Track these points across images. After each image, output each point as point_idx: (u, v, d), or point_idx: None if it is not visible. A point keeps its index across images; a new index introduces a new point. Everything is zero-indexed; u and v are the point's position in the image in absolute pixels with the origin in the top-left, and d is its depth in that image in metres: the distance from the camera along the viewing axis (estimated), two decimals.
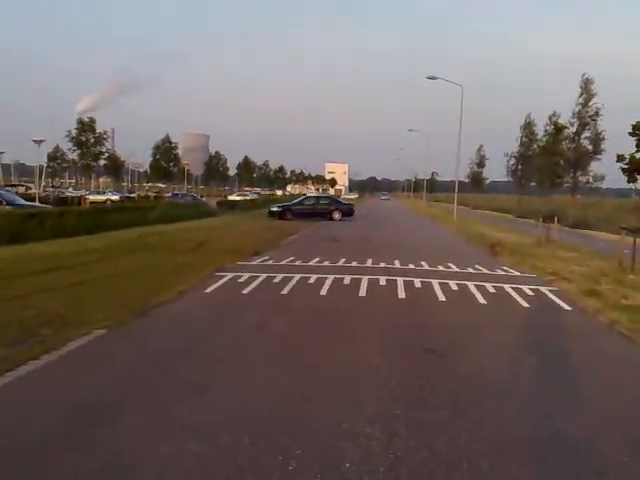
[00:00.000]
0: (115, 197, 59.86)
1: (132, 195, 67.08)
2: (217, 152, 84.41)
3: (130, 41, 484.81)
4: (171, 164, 62.24)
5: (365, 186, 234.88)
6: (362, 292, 10.97)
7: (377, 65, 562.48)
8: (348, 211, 37.58)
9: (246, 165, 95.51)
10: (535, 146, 63.44)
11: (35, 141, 36.94)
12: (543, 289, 11.84)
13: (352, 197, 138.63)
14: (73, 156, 38.04)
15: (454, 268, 14.55)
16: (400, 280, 12.24)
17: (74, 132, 36.09)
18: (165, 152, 61.23)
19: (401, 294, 10.84)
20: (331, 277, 12.40)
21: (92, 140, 36.51)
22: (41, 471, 3.95)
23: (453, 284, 11.99)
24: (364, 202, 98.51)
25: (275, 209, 35.85)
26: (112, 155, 40.56)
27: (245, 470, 3.93)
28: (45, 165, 53.55)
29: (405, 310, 9.54)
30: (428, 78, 41.50)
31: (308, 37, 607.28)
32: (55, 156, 61.61)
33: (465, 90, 41.00)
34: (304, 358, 6.59)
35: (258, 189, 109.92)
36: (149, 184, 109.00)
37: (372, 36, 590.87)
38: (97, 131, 36.54)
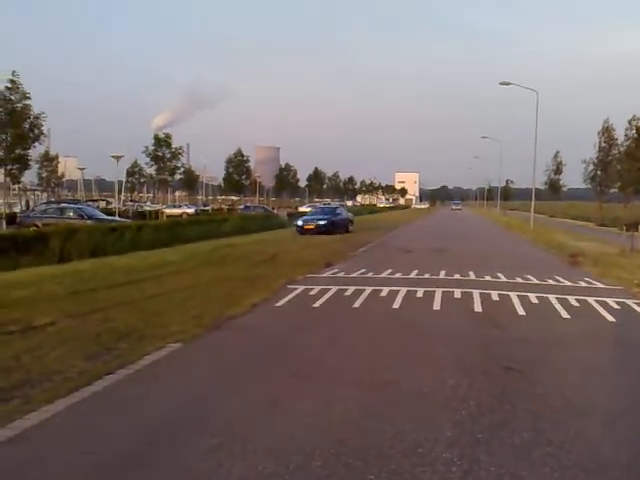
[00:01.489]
0: (190, 210, 61.65)
1: (206, 208, 68.90)
2: (287, 164, 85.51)
3: (204, 56, 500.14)
4: (243, 177, 63.54)
5: (436, 195, 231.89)
6: (436, 305, 10.65)
7: (450, 72, 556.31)
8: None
9: (316, 176, 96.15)
10: (615, 151, 60.62)
11: (114, 157, 38.49)
12: (630, 302, 11.15)
13: (423, 207, 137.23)
14: (150, 171, 39.37)
15: (533, 280, 13.96)
16: (476, 293, 11.82)
17: (151, 148, 37.38)
18: (237, 165, 62.56)
19: (477, 307, 10.45)
20: (404, 290, 12.14)
21: (168, 155, 37.69)
22: None
23: (533, 297, 11.48)
24: (433, 212, 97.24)
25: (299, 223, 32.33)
26: (187, 169, 41.75)
27: None
28: (124, 180, 55.89)
29: (482, 325, 9.16)
30: (502, 84, 40.54)
31: (375, 45, 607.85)
32: (133, 171, 64.19)
33: (540, 95, 39.77)
34: (378, 375, 6.39)
35: (328, 200, 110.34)
36: (222, 197, 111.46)
37: (443, 42, 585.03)
38: (173, 146, 37.73)
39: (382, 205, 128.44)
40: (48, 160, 54.87)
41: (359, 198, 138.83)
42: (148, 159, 37.43)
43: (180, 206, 64.79)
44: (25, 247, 19.01)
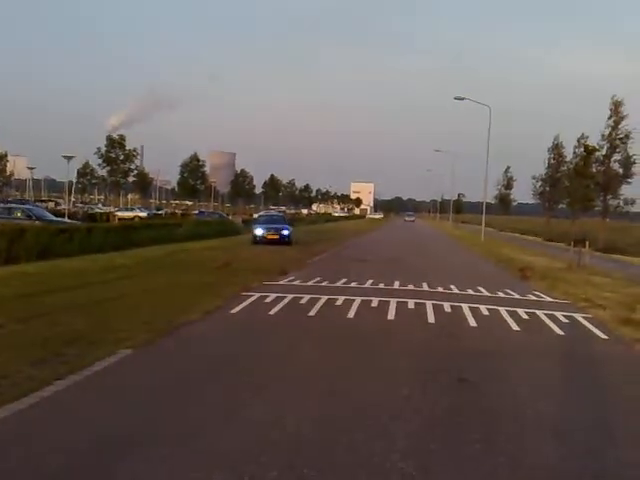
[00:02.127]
0: (143, 214, 60.51)
1: (160, 212, 67.81)
2: (243, 170, 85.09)
3: (160, 59, 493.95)
4: (198, 182, 62.90)
5: (390, 206, 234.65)
6: (391, 315, 10.75)
7: (405, 85, 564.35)
8: None
9: (272, 183, 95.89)
10: (564, 168, 62.58)
11: (65, 157, 37.50)
12: (577, 316, 11.49)
13: (377, 217, 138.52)
14: (103, 172, 38.57)
15: (484, 292, 14.24)
16: (429, 303, 11.99)
17: (104, 149, 36.60)
18: (193, 170, 61.91)
19: (430, 318, 10.60)
20: (358, 299, 12.21)
21: (122, 157, 36.97)
22: None
23: (484, 309, 11.71)
24: (388, 222, 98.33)
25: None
26: (141, 172, 41.02)
27: None
28: (75, 181, 54.57)
29: (435, 335, 9.28)
30: (456, 99, 41.44)
31: (337, 55, 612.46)
32: (85, 172, 62.71)
33: (492, 111, 40.76)
34: (333, 385, 6.40)
35: (283, 207, 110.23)
36: (176, 201, 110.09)
37: (399, 57, 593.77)
38: (127, 148, 37.04)
39: (337, 214, 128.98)
40: None
41: (314, 207, 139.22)
42: (100, 160, 36.71)
43: (133, 209, 63.58)
44: None
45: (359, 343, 8.59)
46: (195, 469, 4.22)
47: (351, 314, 10.77)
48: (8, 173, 59.92)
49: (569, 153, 61.35)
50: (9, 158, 58.58)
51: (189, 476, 4.11)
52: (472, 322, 10.42)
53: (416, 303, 12.05)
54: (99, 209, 59.22)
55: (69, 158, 38.14)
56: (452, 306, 11.88)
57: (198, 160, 62.75)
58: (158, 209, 77.90)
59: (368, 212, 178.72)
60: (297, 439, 4.85)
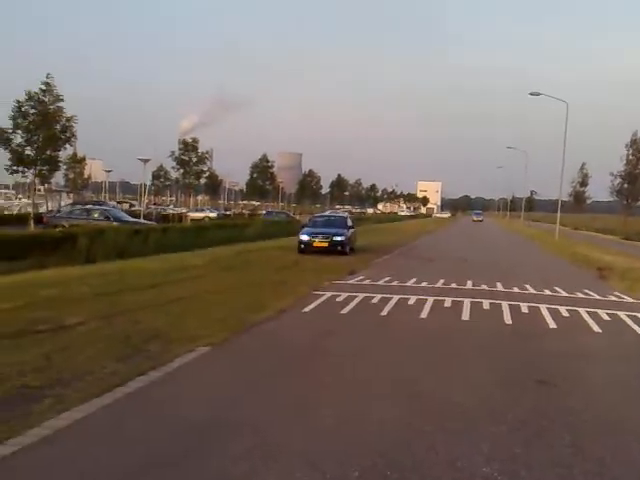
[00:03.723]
0: (213, 214, 61.85)
1: (228, 213, 69.10)
2: (311, 170, 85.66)
3: (226, 60, 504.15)
4: (267, 182, 63.78)
5: (458, 205, 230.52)
6: (465, 316, 10.53)
7: (476, 81, 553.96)
8: None
9: (339, 183, 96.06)
10: None
11: (141, 160, 38.79)
12: None
13: (444, 216, 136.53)
14: (176, 175, 39.58)
15: (562, 292, 13.75)
16: (505, 304, 11.67)
17: (178, 152, 37.63)
18: (262, 171, 62.88)
19: (507, 319, 10.31)
20: (431, 299, 12.03)
21: (194, 159, 37.91)
22: None
23: (563, 310, 11.30)
24: (455, 221, 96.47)
25: None
26: (211, 174, 42.00)
27: None
28: (149, 183, 56.66)
29: (513, 337, 9.02)
30: (531, 94, 40.16)
31: (404, 50, 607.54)
32: (159, 174, 64.80)
33: (570, 106, 39.26)
34: (410, 387, 6.30)
35: (349, 207, 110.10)
36: (244, 202, 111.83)
37: (469, 52, 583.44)
38: (199, 151, 37.98)
39: (403, 213, 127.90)
40: (76, 162, 55.54)
41: (380, 206, 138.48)
42: (174, 163, 37.77)
43: (203, 210, 65.11)
44: (52, 247, 19.14)
45: (434, 344, 8.45)
46: (280, 463, 4.24)
47: (424, 314, 10.62)
48: (86, 176, 62.57)
49: None
50: (87, 162, 61.20)
51: (270, 470, 4.14)
52: (551, 323, 10.07)
53: (491, 304, 11.76)
54: (171, 210, 60.92)
55: (145, 161, 39.43)
56: (529, 307, 11.52)
57: (267, 161, 63.71)
58: (226, 210, 79.45)
59: (435, 211, 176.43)
60: (378, 440, 4.79)
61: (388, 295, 12.41)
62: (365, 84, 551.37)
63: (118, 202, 69.40)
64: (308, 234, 22.92)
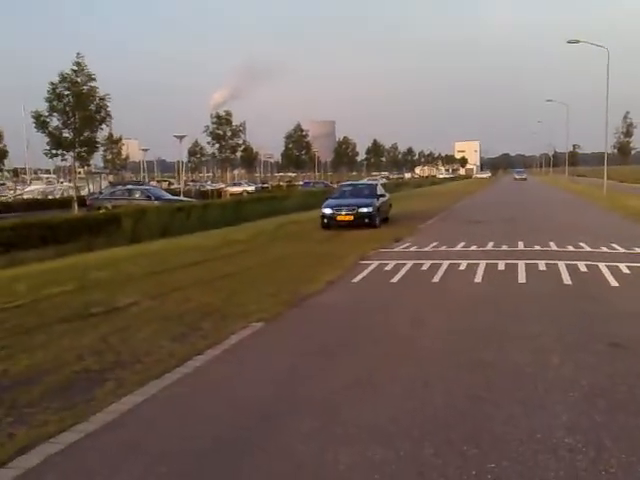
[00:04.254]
0: (250, 188, 62.10)
1: (265, 185, 69.26)
2: (345, 137, 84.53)
3: (256, 31, 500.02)
4: (303, 152, 63.42)
5: (497, 164, 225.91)
6: (521, 278, 10.18)
7: (509, 33, 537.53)
8: None
9: (375, 149, 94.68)
10: None
11: (177, 136, 38.87)
12: None
13: (484, 176, 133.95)
14: (212, 150, 39.53)
15: (619, 249, 13.21)
16: (561, 264, 11.26)
17: (212, 126, 37.49)
18: (297, 141, 62.49)
19: (566, 279, 9.92)
20: (483, 263, 11.68)
21: (229, 133, 37.75)
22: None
23: (623, 267, 10.83)
24: (496, 181, 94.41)
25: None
26: (246, 147, 41.83)
27: None
28: (186, 160, 56.98)
29: (575, 298, 8.66)
30: (569, 42, 38.53)
31: (431, 12, 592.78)
32: (194, 151, 64.99)
33: (611, 53, 37.57)
34: (473, 355, 6.06)
35: (385, 173, 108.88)
36: (280, 174, 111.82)
37: (501, 6, 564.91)
38: (233, 124, 37.75)
39: (442, 176, 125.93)
40: (112, 142, 56.13)
41: (418, 170, 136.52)
42: (209, 138, 37.69)
43: (240, 184, 65.32)
44: (98, 229, 19.44)
45: (493, 309, 8.17)
46: (349, 441, 4.09)
47: (478, 278, 10.31)
48: (124, 156, 63.25)
49: None
50: (123, 142, 61.79)
51: (340, 449, 3.99)
52: (613, 282, 9.65)
53: (547, 264, 11.34)
54: (210, 186, 61.30)
55: (181, 137, 39.50)
56: (587, 265, 11.08)
57: (301, 130, 63.21)
58: (263, 182, 79.63)
59: (474, 172, 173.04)
60: (450, 414, 4.60)
61: (438, 261, 12.12)
62: (397, 44, 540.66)
63: (157, 181, 70.26)
64: (331, 207, 20.21)
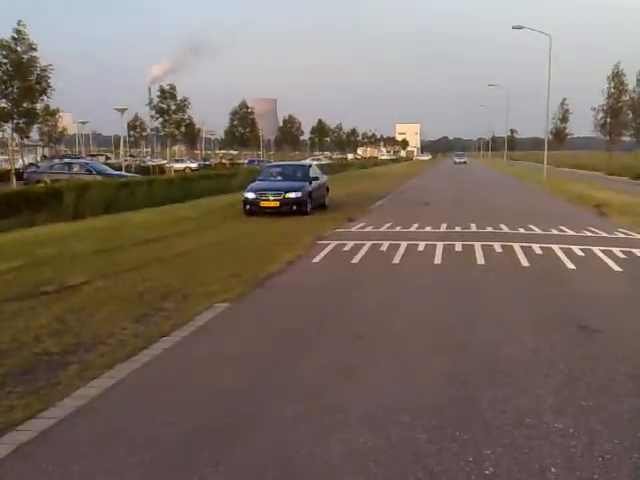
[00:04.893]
0: (193, 165, 60.75)
1: (208, 163, 67.82)
2: (291, 115, 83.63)
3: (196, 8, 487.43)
4: (247, 130, 62.45)
5: (437, 147, 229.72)
6: (480, 260, 10.28)
7: (456, 18, 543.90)
8: None
9: (320, 128, 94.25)
10: (626, 98, 59.78)
11: (118, 109, 37.41)
12: None
13: (425, 158, 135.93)
14: (155, 124, 38.23)
15: (569, 232, 13.56)
16: (516, 246, 11.44)
17: (156, 99, 36.26)
18: (243, 118, 61.45)
19: (524, 262, 10.08)
20: (440, 244, 11.73)
21: (173, 107, 36.61)
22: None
23: (576, 249, 11.10)
24: (437, 164, 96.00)
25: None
26: (190, 122, 40.70)
27: (436, 475, 3.45)
28: (126, 134, 55.12)
29: (535, 280, 8.80)
30: (514, 28, 39.23)
31: None
32: (134, 125, 63.02)
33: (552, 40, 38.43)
34: (448, 338, 6.04)
35: (328, 153, 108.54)
36: (222, 151, 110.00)
37: None
38: (178, 98, 36.60)
39: (384, 157, 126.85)
40: (49, 114, 53.65)
41: (360, 151, 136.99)
42: (152, 112, 36.42)
43: (183, 161, 63.83)
44: (38, 204, 18.54)
45: (457, 290, 8.21)
46: (338, 428, 3.97)
47: (437, 260, 10.36)
48: (60, 129, 60.66)
49: (631, 81, 58.69)
50: (60, 114, 59.20)
51: (331, 436, 3.87)
52: (569, 264, 9.86)
53: (502, 246, 11.51)
54: (151, 162, 59.63)
55: (122, 111, 38.07)
56: (542, 247, 11.30)
57: (247, 107, 62.15)
58: (205, 159, 77.97)
59: (415, 154, 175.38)
60: (436, 399, 4.54)
61: (395, 242, 12.13)
62: (344, 26, 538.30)
63: (91, 155, 67.56)
64: (254, 191, 17.59)
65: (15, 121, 24.07)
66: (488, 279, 8.89)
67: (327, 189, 20.64)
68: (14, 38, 23.54)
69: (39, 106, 26.07)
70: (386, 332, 6.31)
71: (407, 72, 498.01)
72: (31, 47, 23.75)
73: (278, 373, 5.12)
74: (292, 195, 17.34)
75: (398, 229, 14.24)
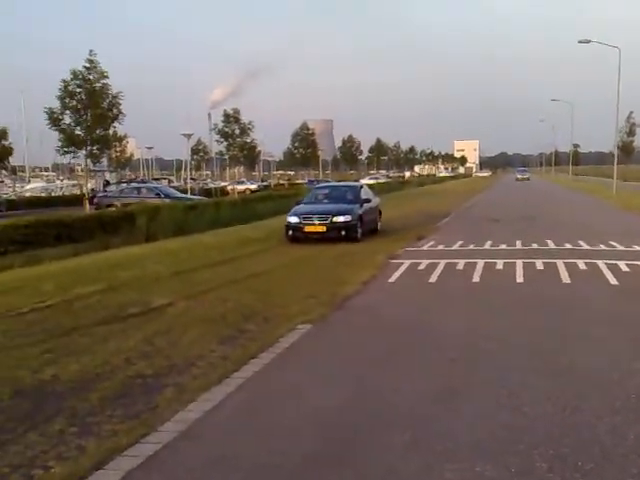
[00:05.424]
0: (253, 186, 61.60)
1: (265, 184, 68.66)
2: (350, 136, 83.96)
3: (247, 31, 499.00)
4: (308, 150, 63.07)
5: (495, 162, 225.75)
6: (565, 278, 9.88)
7: (518, 31, 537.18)
8: None
9: (379, 147, 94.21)
10: None
11: (184, 135, 38.44)
12: None
13: (484, 174, 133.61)
14: (220, 148, 39.09)
15: None
16: (600, 263, 10.97)
17: (221, 124, 37.09)
18: (304, 139, 62.13)
19: (611, 280, 9.63)
20: (519, 262, 11.37)
21: (237, 131, 37.36)
22: None
23: None
24: (497, 180, 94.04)
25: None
26: (254, 145, 41.38)
27: None
28: (189, 158, 56.45)
29: (627, 298, 8.38)
30: (580, 42, 38.15)
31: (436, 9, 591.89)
32: (197, 149, 64.57)
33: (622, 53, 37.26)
34: (547, 360, 5.78)
35: (383, 172, 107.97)
36: (279, 172, 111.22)
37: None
38: (241, 122, 37.36)
39: (442, 174, 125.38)
40: (117, 140, 55.61)
41: (417, 168, 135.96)
42: (217, 136, 37.27)
43: (243, 182, 64.83)
44: (112, 227, 19.10)
45: (546, 310, 7.89)
46: (451, 457, 3.80)
47: (519, 278, 10.04)
48: (128, 154, 62.79)
49: None
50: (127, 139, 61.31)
51: (444, 465, 3.70)
52: None
53: (586, 263, 11.06)
54: (212, 184, 60.84)
55: (188, 136, 39.06)
56: (628, 264, 10.79)
57: (308, 129, 62.85)
58: (263, 180, 78.92)
59: (474, 170, 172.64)
60: (546, 424, 4.31)
61: (471, 260, 11.83)
62: (395, 42, 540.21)
63: (155, 179, 69.46)
64: (298, 215, 15.98)
65: (89, 148, 24.98)
66: (577, 298, 8.53)
67: (380, 212, 18.93)
68: (86, 67, 24.52)
69: (111, 132, 26.87)
70: (479, 355, 6.09)
71: (465, 89, 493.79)
72: (103, 75, 24.68)
73: (378, 398, 5.00)
74: (341, 219, 15.53)
75: (471, 247, 13.92)
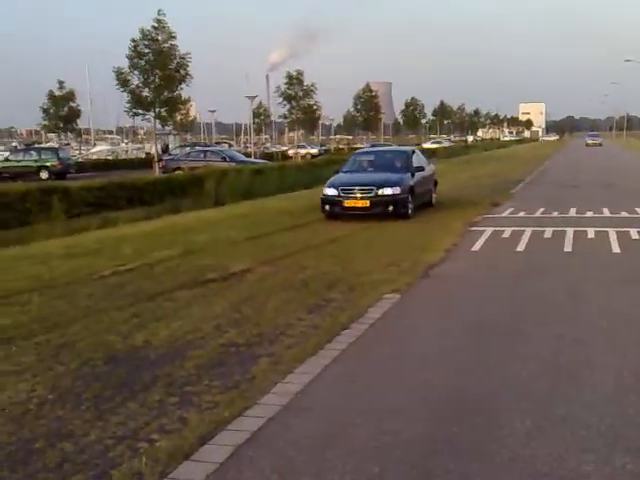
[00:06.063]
0: (314, 150, 60.98)
1: (325, 148, 67.84)
2: (413, 98, 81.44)
3: None
4: (371, 113, 61.71)
5: (562, 126, 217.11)
6: None
7: None
8: None
9: (442, 110, 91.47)
10: None
11: (248, 97, 38.08)
12: None
13: (552, 139, 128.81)
14: (283, 111, 38.61)
15: None
16: None
17: (283, 86, 36.50)
18: (367, 101, 60.78)
19: None
20: (611, 231, 10.68)
21: (300, 93, 36.73)
22: None
23: None
24: (566, 145, 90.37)
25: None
26: (317, 108, 40.58)
27: None
28: (251, 122, 56.22)
29: None
30: None
31: None
32: (258, 112, 64.12)
33: None
34: None
35: (444, 136, 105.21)
36: (337, 136, 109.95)
37: None
38: (305, 84, 36.69)
39: (507, 139, 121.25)
40: (181, 103, 55.64)
41: (480, 132, 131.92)
42: (280, 98, 36.77)
43: (304, 146, 64.36)
44: (180, 191, 19.15)
45: None
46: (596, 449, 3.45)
47: (615, 248, 9.43)
48: (191, 117, 63.02)
49: None
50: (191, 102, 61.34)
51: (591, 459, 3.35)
52: None
53: None
54: (274, 148, 60.68)
55: (252, 98, 38.69)
56: None
57: (371, 91, 61.43)
58: (322, 145, 78.17)
59: (540, 134, 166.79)
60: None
61: (558, 228, 11.19)
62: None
63: (217, 143, 69.75)
64: (336, 186, 13.63)
65: (157, 109, 24.91)
66: None
67: (435, 183, 16.29)
68: (155, 27, 24.32)
69: (178, 94, 26.68)
70: (589, 331, 5.64)
71: (531, 49, 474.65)
72: (171, 35, 24.44)
73: (490, 376, 4.66)
74: (388, 191, 13.04)
75: (555, 214, 13.24)
